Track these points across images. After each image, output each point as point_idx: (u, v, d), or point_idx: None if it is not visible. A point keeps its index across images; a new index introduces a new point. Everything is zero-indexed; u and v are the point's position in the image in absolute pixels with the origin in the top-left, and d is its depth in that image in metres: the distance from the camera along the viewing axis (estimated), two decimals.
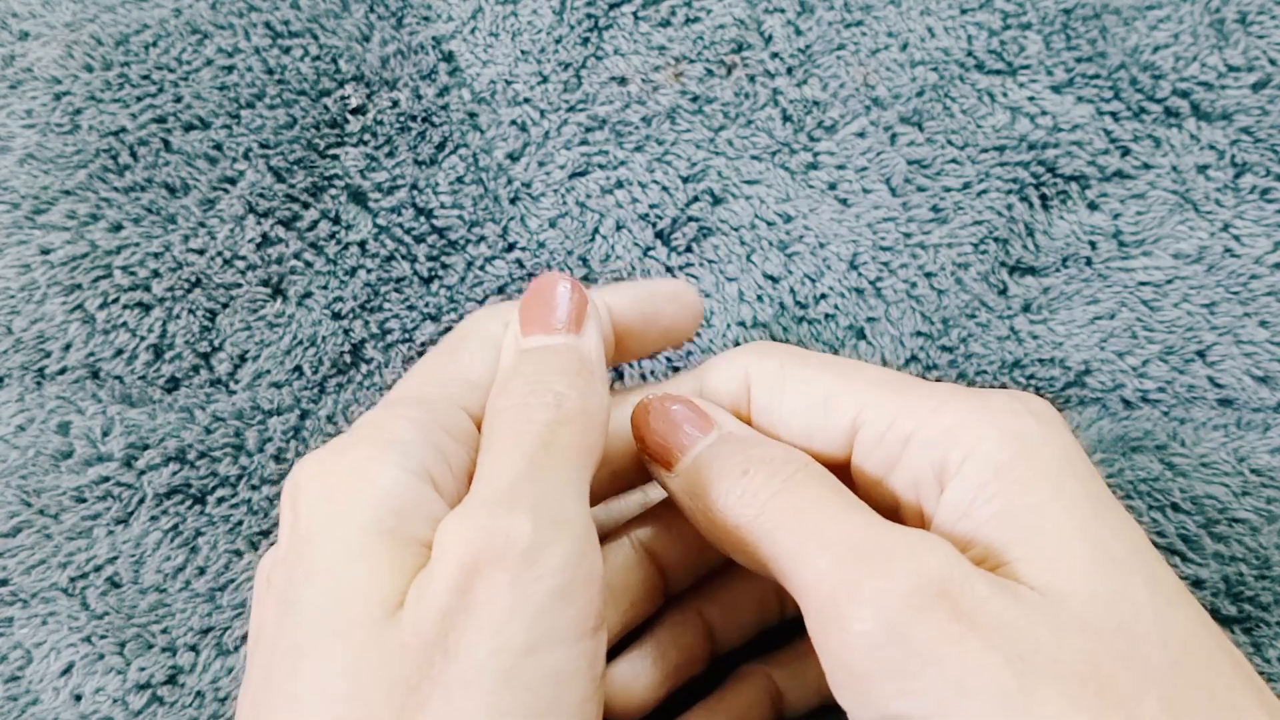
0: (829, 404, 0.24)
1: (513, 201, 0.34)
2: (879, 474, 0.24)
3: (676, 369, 0.33)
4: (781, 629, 0.28)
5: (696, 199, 0.34)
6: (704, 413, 0.25)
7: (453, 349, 0.26)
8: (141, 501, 0.31)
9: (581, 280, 0.33)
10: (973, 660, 0.19)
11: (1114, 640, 0.19)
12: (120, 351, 0.32)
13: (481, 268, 0.33)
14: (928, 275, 0.33)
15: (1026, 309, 0.33)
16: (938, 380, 0.32)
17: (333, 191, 0.34)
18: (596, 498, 0.26)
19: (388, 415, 0.23)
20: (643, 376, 0.33)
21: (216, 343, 0.33)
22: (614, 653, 0.27)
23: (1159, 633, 0.19)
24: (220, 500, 0.31)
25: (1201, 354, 0.32)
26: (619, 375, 0.33)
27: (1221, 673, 0.19)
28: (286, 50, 0.34)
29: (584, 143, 0.34)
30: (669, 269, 0.33)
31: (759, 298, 0.33)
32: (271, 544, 0.31)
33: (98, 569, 0.30)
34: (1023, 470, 0.21)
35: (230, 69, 0.34)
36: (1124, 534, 0.21)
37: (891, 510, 0.24)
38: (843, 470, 0.25)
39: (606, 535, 0.27)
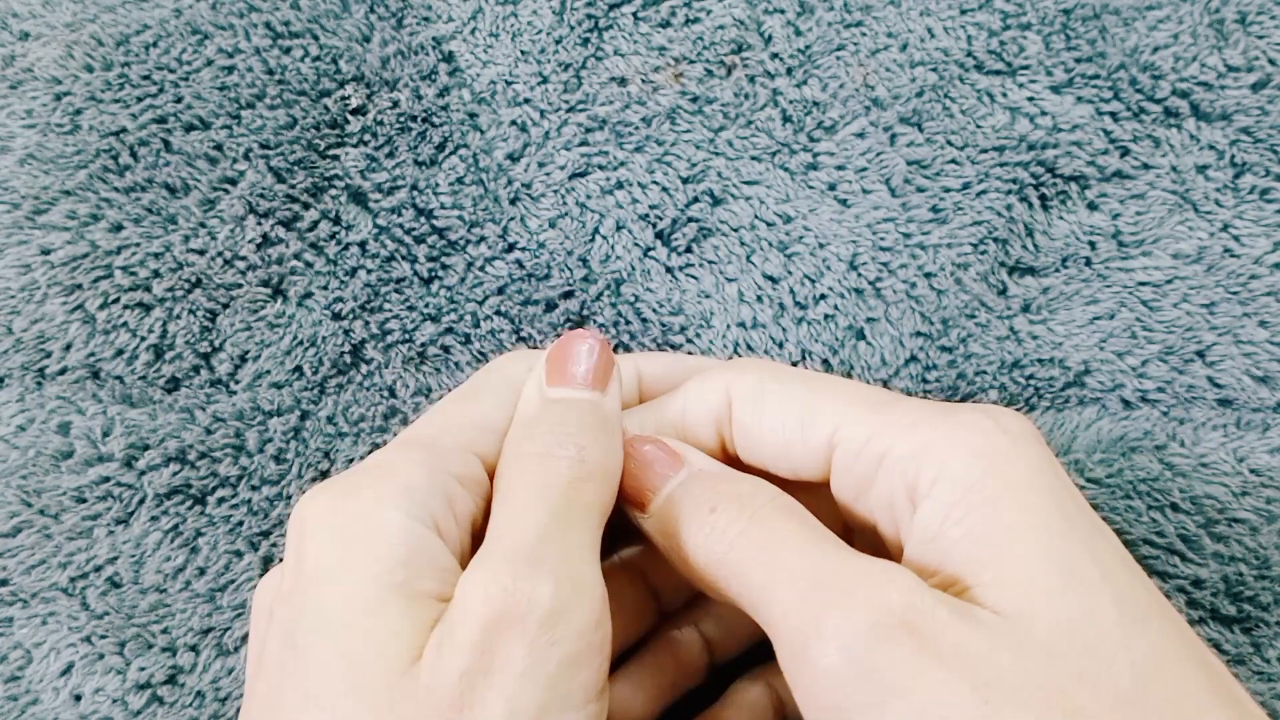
0: (806, 421, 0.24)
1: (513, 202, 0.34)
2: (856, 493, 0.24)
3: None
4: None
5: (696, 199, 0.34)
6: (674, 451, 0.25)
7: (473, 391, 0.26)
8: (142, 502, 0.31)
9: (581, 279, 0.33)
10: (937, 690, 0.19)
11: (1079, 663, 0.19)
12: (121, 352, 0.32)
13: (481, 268, 0.33)
14: (927, 275, 0.33)
15: (1026, 309, 0.33)
16: (936, 380, 0.32)
17: (333, 192, 0.34)
18: None
19: (398, 457, 0.24)
20: None
21: (217, 343, 0.33)
22: (610, 669, 0.27)
23: (1126, 654, 0.19)
24: (220, 501, 0.31)
25: (1201, 354, 0.32)
26: None
27: (1194, 693, 0.19)
28: (287, 51, 0.34)
29: (584, 143, 0.34)
30: (669, 269, 0.33)
31: (759, 298, 0.33)
32: (273, 545, 0.31)
33: (98, 569, 0.30)
34: (992, 490, 0.21)
35: (231, 69, 0.34)
36: (1094, 552, 0.21)
37: (869, 530, 0.24)
38: (823, 488, 0.25)
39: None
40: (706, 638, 0.28)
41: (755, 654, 0.28)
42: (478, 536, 0.23)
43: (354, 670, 0.20)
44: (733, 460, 0.26)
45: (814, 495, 0.25)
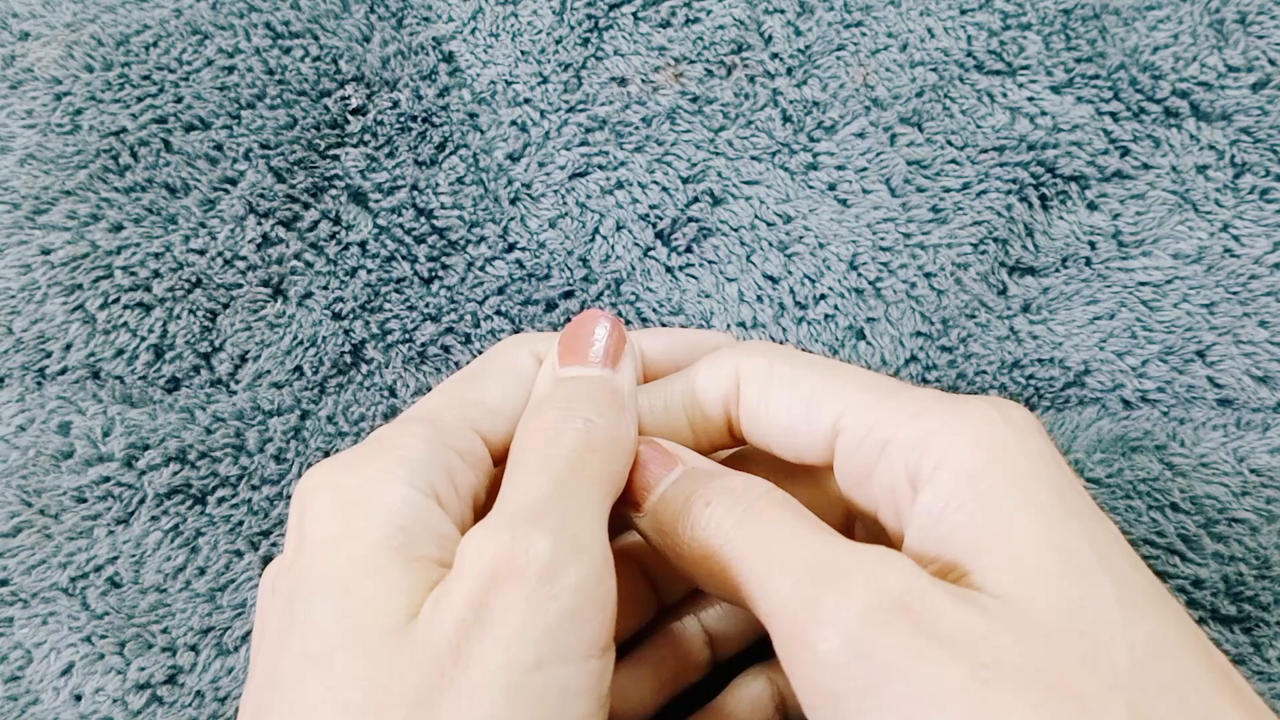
0: (811, 405, 0.24)
1: (513, 202, 0.34)
2: (858, 479, 0.24)
3: None
4: None
5: (696, 199, 0.34)
6: (668, 451, 0.25)
7: (476, 373, 0.27)
8: (142, 502, 0.31)
9: (582, 279, 0.33)
10: (936, 672, 0.19)
11: (1078, 646, 0.19)
12: (121, 352, 0.32)
13: (482, 268, 0.33)
14: (927, 275, 0.33)
15: (1026, 309, 0.33)
16: (937, 380, 0.32)
17: (333, 192, 0.34)
18: None
19: (399, 431, 0.24)
20: None
21: (217, 343, 0.33)
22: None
23: (1125, 638, 0.19)
24: (221, 500, 0.31)
25: (1201, 354, 0.32)
26: None
27: (1193, 676, 0.19)
28: (287, 51, 0.34)
29: (584, 143, 0.34)
30: (669, 269, 0.33)
31: (759, 298, 0.33)
32: (273, 545, 0.31)
33: (98, 569, 0.30)
34: (993, 478, 0.21)
35: (231, 69, 0.34)
36: (1094, 539, 0.21)
37: (870, 516, 0.24)
38: (829, 473, 0.25)
39: None
40: (709, 630, 0.28)
41: (757, 651, 0.28)
42: (480, 512, 0.24)
43: (353, 628, 0.20)
44: (740, 441, 0.26)
45: (819, 480, 0.25)
